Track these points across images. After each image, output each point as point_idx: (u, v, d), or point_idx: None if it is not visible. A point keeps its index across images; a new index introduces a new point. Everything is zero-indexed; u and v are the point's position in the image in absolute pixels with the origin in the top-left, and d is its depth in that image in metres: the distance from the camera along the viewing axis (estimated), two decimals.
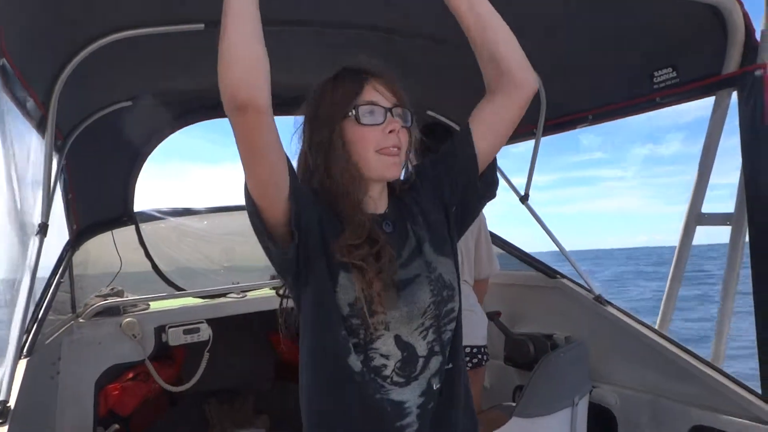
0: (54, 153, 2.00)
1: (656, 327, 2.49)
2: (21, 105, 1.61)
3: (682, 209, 2.32)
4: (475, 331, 2.57)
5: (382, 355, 1.10)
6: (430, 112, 2.94)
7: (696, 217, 2.26)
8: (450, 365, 1.18)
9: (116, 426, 2.82)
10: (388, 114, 1.15)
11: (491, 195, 1.31)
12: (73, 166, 2.30)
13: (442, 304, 1.16)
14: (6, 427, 1.44)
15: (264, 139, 0.98)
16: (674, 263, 2.42)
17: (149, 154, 2.72)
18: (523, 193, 2.79)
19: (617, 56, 2.23)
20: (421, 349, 1.13)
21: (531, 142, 2.76)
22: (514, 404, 2.49)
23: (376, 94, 1.16)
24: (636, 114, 2.32)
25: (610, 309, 2.60)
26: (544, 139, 2.72)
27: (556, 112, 2.55)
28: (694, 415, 2.23)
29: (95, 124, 2.24)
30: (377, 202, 1.21)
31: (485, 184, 1.27)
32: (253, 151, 1.00)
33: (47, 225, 1.83)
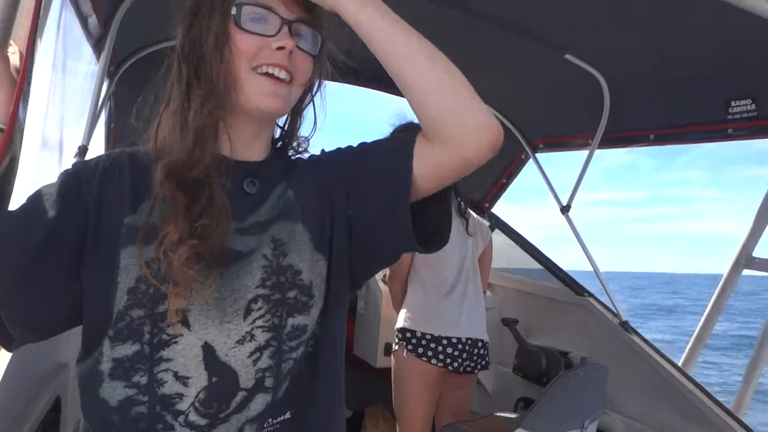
0: (105, 78, 1.96)
1: (680, 365, 2.40)
2: (83, 19, 1.56)
3: None
4: (483, 322, 2.48)
5: (177, 375, 0.71)
6: None
7: (746, 260, 2.16)
8: (288, 415, 0.77)
9: None
10: (285, 27, 0.80)
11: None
12: (121, 95, 2.26)
13: (282, 308, 0.76)
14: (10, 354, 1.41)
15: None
16: (712, 303, 2.33)
17: None
18: (565, 203, 2.70)
19: (692, 77, 2.12)
20: (246, 376, 0.73)
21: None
22: (513, 415, 2.43)
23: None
24: (703, 142, 2.22)
25: (634, 337, 2.51)
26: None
27: (616, 125, 2.44)
28: None
29: (149, 57, 2.19)
30: (245, 146, 0.86)
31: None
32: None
33: (87, 148, 1.79)
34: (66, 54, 1.55)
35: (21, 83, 0.83)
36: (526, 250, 3.07)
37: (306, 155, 0.96)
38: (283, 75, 0.80)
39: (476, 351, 2.40)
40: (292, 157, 0.96)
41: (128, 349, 0.71)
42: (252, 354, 0.73)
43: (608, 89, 2.28)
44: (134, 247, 0.72)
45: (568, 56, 2.12)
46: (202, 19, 0.82)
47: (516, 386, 3.01)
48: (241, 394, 0.73)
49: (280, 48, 0.79)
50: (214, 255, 0.73)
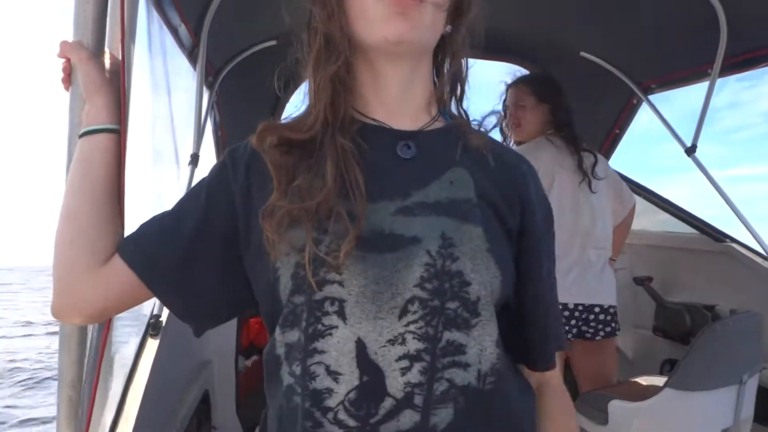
0: (206, 88, 2.07)
1: None
2: (174, 31, 1.65)
3: None
4: (607, 285, 2.29)
5: (329, 370, 0.67)
6: (584, 54, 2.67)
7: None
8: None
9: (255, 357, 3.00)
10: None
11: None
12: (223, 103, 2.38)
13: (439, 318, 0.68)
14: (157, 341, 1.54)
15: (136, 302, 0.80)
16: None
17: (289, 98, 2.73)
18: (690, 144, 2.46)
19: None
20: (395, 385, 0.66)
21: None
22: (658, 377, 2.26)
23: None
24: None
25: None
26: None
27: (738, 47, 2.17)
28: None
29: (244, 63, 2.29)
30: (396, 107, 0.79)
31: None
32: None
33: (198, 156, 1.91)
34: (166, 64, 1.65)
35: (124, 85, 0.89)
36: (651, 201, 2.84)
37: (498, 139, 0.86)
38: None
39: (593, 317, 2.24)
40: (476, 127, 0.83)
41: (294, 335, 0.69)
42: (400, 359, 0.66)
43: (722, 8, 2.03)
44: (295, 230, 0.69)
45: None
46: None
47: (659, 348, 2.81)
48: (389, 401, 0.66)
49: None
50: (374, 236, 0.68)
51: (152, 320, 1.55)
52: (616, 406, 2.00)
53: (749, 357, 1.99)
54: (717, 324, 1.89)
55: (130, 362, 1.42)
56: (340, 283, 0.67)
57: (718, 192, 2.40)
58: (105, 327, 0.97)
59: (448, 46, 0.81)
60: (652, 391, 1.96)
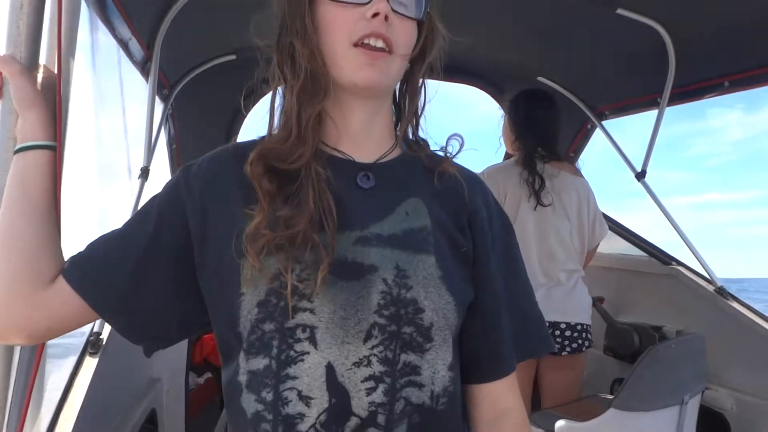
0: (160, 101, 2.04)
1: None
2: (123, 44, 1.62)
3: None
4: (576, 304, 2.34)
5: (300, 395, 0.69)
6: (541, 78, 2.74)
7: None
8: None
9: (209, 375, 2.93)
10: None
11: None
12: (178, 116, 2.35)
13: (396, 342, 0.71)
14: (96, 359, 1.49)
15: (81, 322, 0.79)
16: None
17: (249, 111, 2.70)
18: (639, 169, 2.53)
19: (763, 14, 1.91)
20: (360, 404, 0.69)
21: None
22: (611, 397, 2.30)
23: None
24: None
25: (733, 303, 2.31)
26: None
27: (685, 78, 2.26)
28: None
29: (201, 76, 2.26)
30: (359, 141, 0.82)
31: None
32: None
33: (149, 170, 1.87)
34: (120, 77, 1.62)
35: (60, 100, 0.87)
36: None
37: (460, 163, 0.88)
38: (380, 44, 0.75)
39: (559, 333, 2.28)
40: (434, 153, 0.88)
41: (260, 362, 0.70)
42: (366, 380, 0.70)
43: (671, 39, 2.11)
44: (269, 258, 0.70)
45: (620, 11, 1.99)
46: (290, 5, 0.79)
47: (609, 367, 2.86)
48: (354, 421, 0.69)
49: (375, 15, 0.74)
50: (339, 264, 0.71)
51: (92, 338, 1.51)
52: (562, 426, 2.03)
53: (691, 378, 2.04)
54: (660, 346, 1.94)
55: (64, 382, 1.37)
56: (311, 311, 0.70)
57: (666, 217, 2.47)
58: (38, 347, 0.94)
59: (409, 79, 0.85)
60: (600, 410, 1.99)
